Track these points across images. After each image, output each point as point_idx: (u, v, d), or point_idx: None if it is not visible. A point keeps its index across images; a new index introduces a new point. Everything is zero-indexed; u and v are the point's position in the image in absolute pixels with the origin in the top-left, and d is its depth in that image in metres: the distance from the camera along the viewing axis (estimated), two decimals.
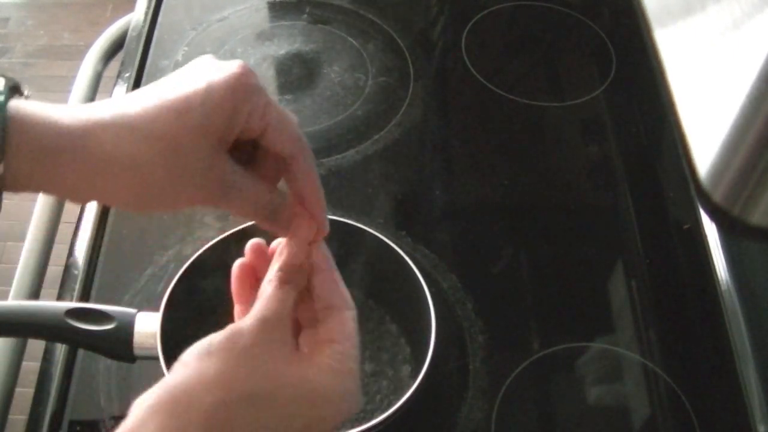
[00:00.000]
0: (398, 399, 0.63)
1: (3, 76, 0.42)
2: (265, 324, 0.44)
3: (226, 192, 0.45)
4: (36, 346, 0.74)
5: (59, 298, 0.77)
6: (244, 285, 0.51)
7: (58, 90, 2.28)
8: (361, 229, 0.72)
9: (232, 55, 1.00)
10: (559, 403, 0.74)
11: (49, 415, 0.69)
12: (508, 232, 0.85)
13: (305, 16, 1.05)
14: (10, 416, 0.71)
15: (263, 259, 0.51)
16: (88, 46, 1.04)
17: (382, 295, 0.74)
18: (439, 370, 0.69)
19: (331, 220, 0.72)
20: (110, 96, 0.96)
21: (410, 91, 0.96)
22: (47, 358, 0.73)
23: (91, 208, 0.83)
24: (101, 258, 0.80)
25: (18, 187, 0.42)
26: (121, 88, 0.96)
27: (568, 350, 0.75)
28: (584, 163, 0.92)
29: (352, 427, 0.61)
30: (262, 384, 0.43)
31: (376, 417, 0.62)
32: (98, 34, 1.05)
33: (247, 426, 0.42)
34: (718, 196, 0.59)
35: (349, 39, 1.02)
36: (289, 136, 0.47)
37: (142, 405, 0.41)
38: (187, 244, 0.80)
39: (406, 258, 0.70)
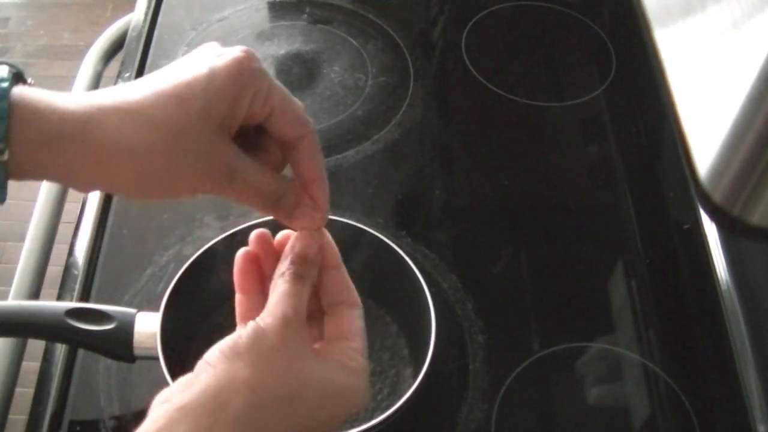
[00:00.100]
0: (398, 399, 0.63)
1: (6, 63, 0.42)
2: (287, 322, 0.45)
3: (231, 178, 0.45)
4: (36, 346, 0.74)
5: (59, 298, 0.77)
6: (247, 275, 0.51)
7: (58, 90, 2.28)
8: (361, 229, 0.72)
9: None
10: (559, 403, 0.74)
11: (49, 415, 0.69)
12: (508, 232, 0.85)
13: (305, 16, 1.05)
14: (10, 416, 0.71)
15: (268, 250, 0.51)
16: (88, 46, 1.04)
17: (382, 295, 0.74)
18: (439, 370, 0.69)
19: (331, 220, 0.72)
20: None
21: (410, 91, 0.96)
22: (47, 358, 0.73)
23: (91, 209, 0.83)
24: (101, 258, 0.80)
25: (23, 173, 0.42)
26: None
27: (568, 350, 0.75)
28: (584, 163, 0.92)
29: (352, 427, 0.61)
30: (290, 386, 0.43)
31: (376, 417, 0.62)
32: (98, 34, 1.05)
33: (276, 427, 0.42)
34: (718, 196, 0.59)
35: (349, 39, 1.02)
36: (294, 120, 0.47)
37: (169, 406, 0.41)
38: (187, 244, 0.80)
39: (406, 258, 0.70)
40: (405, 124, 0.93)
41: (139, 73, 0.98)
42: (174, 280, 0.68)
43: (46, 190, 0.87)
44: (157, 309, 0.66)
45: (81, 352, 0.73)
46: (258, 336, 0.44)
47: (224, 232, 0.71)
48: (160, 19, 1.05)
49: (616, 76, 0.98)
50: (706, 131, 0.64)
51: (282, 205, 0.48)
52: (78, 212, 0.83)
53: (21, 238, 0.84)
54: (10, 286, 0.79)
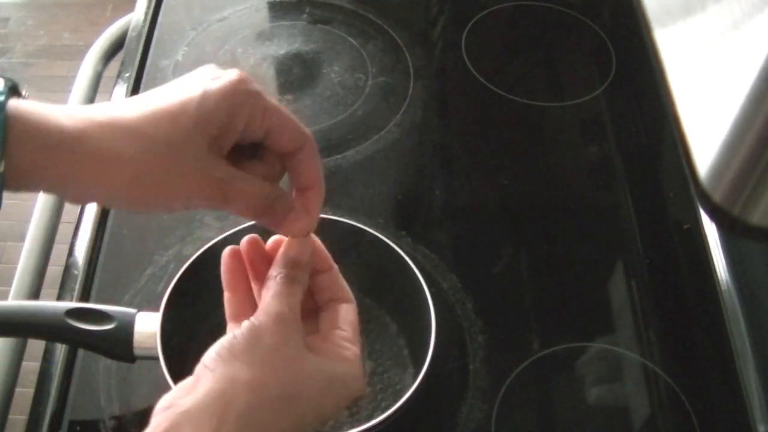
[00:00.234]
0: (398, 399, 0.63)
1: (2, 77, 0.42)
2: (283, 320, 0.46)
3: (224, 194, 0.46)
4: (36, 346, 0.74)
5: (59, 298, 0.77)
6: (235, 272, 0.52)
7: (58, 90, 2.28)
8: (361, 229, 0.72)
9: (232, 55, 1.00)
10: (559, 403, 0.74)
11: (49, 415, 0.69)
12: (508, 232, 0.85)
13: (305, 16, 1.05)
14: (10, 416, 0.71)
15: (259, 253, 0.52)
16: (88, 46, 1.04)
17: (382, 295, 0.74)
18: (439, 370, 0.69)
19: (332, 220, 0.72)
20: (110, 96, 0.96)
21: (410, 91, 0.96)
22: (47, 358, 0.73)
23: (91, 208, 0.83)
24: (101, 258, 0.80)
25: (18, 185, 0.42)
26: (121, 88, 0.96)
27: (568, 350, 0.75)
28: (584, 163, 0.92)
29: (352, 427, 0.61)
30: (289, 384, 0.44)
31: (376, 417, 0.62)
32: (98, 34, 1.05)
33: (278, 424, 0.43)
34: (718, 196, 0.59)
35: (349, 39, 1.02)
36: (292, 134, 0.48)
37: (172, 411, 0.42)
38: (187, 244, 0.80)
39: (406, 258, 0.70)
40: (405, 124, 0.93)
41: (139, 73, 0.98)
42: (174, 280, 0.68)
43: None
44: (157, 309, 0.66)
45: (81, 352, 0.73)
46: (254, 335, 0.45)
47: (224, 232, 0.71)
48: (160, 19, 1.05)
49: (616, 76, 0.98)
50: (706, 131, 0.64)
51: (273, 212, 0.49)
52: (78, 212, 0.83)
53: (21, 238, 0.84)
54: (10, 286, 0.79)
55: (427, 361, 0.64)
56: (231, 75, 0.46)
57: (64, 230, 0.85)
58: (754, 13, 0.56)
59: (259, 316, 0.46)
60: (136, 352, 0.66)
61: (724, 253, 0.79)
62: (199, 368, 0.44)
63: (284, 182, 0.53)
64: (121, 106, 0.45)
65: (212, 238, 0.71)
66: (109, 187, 0.44)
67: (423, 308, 0.67)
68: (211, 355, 0.44)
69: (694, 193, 0.81)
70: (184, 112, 0.44)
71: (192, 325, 0.70)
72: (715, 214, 0.60)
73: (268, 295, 0.47)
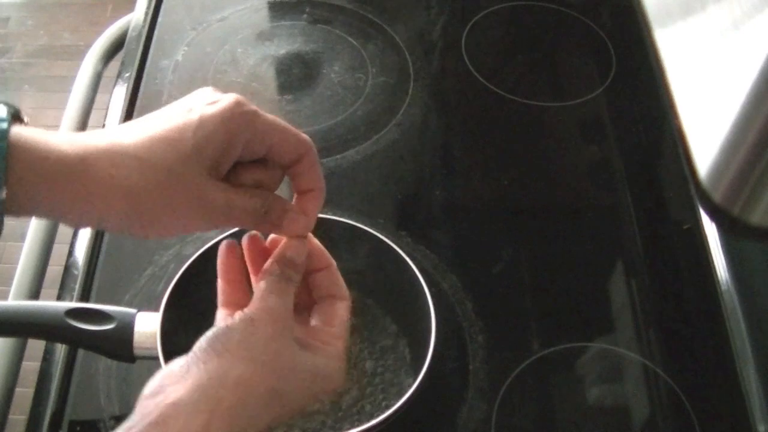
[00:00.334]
0: (398, 399, 0.63)
1: (4, 103, 0.43)
2: (277, 317, 0.47)
3: (225, 217, 0.48)
4: (36, 346, 0.74)
5: (59, 298, 0.77)
6: (231, 264, 0.52)
7: (58, 90, 2.29)
8: (361, 229, 0.72)
9: (232, 55, 1.00)
10: (559, 403, 0.74)
11: (49, 415, 0.69)
12: (508, 232, 0.85)
13: (305, 16, 1.05)
14: (10, 416, 0.71)
15: (257, 248, 0.54)
16: (88, 46, 1.04)
17: (382, 295, 0.74)
18: (439, 370, 0.69)
19: (332, 220, 0.72)
20: (110, 96, 0.96)
21: (410, 91, 0.96)
22: (47, 358, 0.73)
23: None
24: (101, 258, 0.80)
25: (19, 210, 0.43)
26: (121, 88, 0.96)
27: (568, 350, 0.75)
28: (584, 163, 0.92)
29: (353, 427, 0.61)
30: (279, 379, 0.46)
31: (376, 417, 0.62)
32: (98, 34, 1.05)
33: (264, 417, 0.45)
34: (718, 196, 0.59)
35: (349, 39, 1.02)
36: (294, 145, 0.49)
37: (161, 400, 0.43)
38: (187, 244, 0.80)
39: (406, 258, 0.70)
40: (405, 124, 0.93)
41: (139, 73, 0.98)
42: (174, 280, 0.68)
43: None
44: (157, 309, 0.66)
45: (81, 352, 0.73)
46: (248, 330, 0.46)
47: (224, 232, 0.71)
48: (160, 19, 1.05)
49: (616, 76, 0.98)
50: (706, 131, 0.64)
51: (269, 219, 0.50)
52: None
53: (21, 238, 0.84)
54: (10, 286, 0.79)
55: (427, 361, 0.64)
56: (228, 99, 0.47)
57: (64, 230, 0.85)
58: (754, 13, 0.56)
59: (253, 310, 0.47)
60: (136, 352, 0.66)
61: (724, 253, 0.79)
62: (190, 357, 0.45)
63: (284, 183, 0.53)
64: (120, 132, 0.46)
65: (212, 238, 0.70)
66: (108, 213, 0.45)
67: (423, 308, 0.67)
68: (203, 347, 0.45)
69: (694, 193, 0.81)
70: (182, 139, 0.45)
71: (192, 325, 0.70)
72: (715, 214, 0.60)
73: (263, 290, 0.49)
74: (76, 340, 0.68)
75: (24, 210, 0.43)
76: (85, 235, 0.81)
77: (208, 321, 0.70)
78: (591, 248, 0.84)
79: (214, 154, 0.46)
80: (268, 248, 0.53)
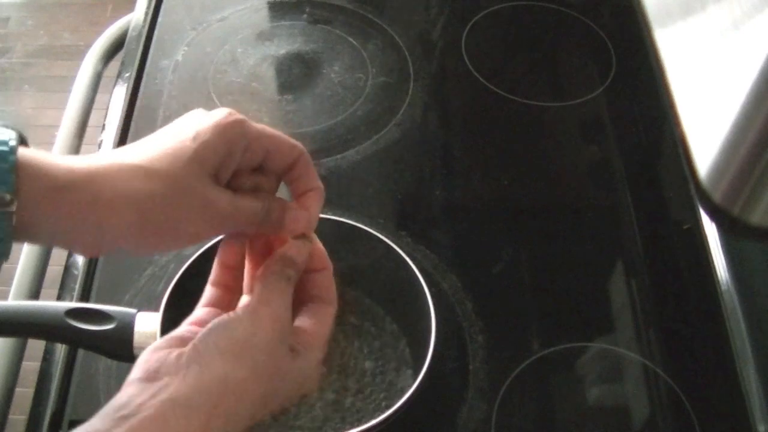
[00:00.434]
0: (398, 399, 0.63)
1: (11, 128, 0.44)
2: (277, 317, 0.48)
3: (232, 222, 0.49)
4: (36, 346, 0.74)
5: (59, 298, 0.77)
6: (232, 250, 0.53)
7: (58, 90, 2.29)
8: (361, 229, 0.72)
9: (232, 55, 1.00)
10: (559, 403, 0.74)
11: (49, 415, 0.69)
12: (508, 232, 0.85)
13: (305, 16, 1.05)
14: (10, 416, 0.71)
15: (259, 242, 0.53)
16: (88, 46, 1.04)
17: (382, 295, 0.74)
18: (439, 370, 0.69)
19: (332, 221, 0.72)
20: (110, 96, 0.96)
21: (410, 91, 0.96)
22: (47, 358, 0.73)
23: None
24: (101, 258, 0.80)
25: (27, 229, 0.43)
26: (121, 88, 0.96)
27: (568, 350, 0.75)
28: (584, 163, 0.92)
29: (353, 427, 0.61)
30: (274, 386, 0.47)
31: (376, 417, 0.62)
32: (98, 34, 1.05)
33: (255, 415, 0.46)
34: (718, 196, 0.59)
35: (349, 39, 1.02)
36: (287, 150, 0.51)
37: (157, 392, 0.43)
38: None
39: (406, 258, 0.70)
40: (405, 124, 0.93)
41: (139, 73, 0.98)
42: (174, 280, 0.68)
43: None
44: (157, 309, 0.66)
45: (81, 352, 0.73)
46: (250, 330, 0.46)
47: None
48: (160, 19, 1.05)
49: (616, 76, 0.98)
50: (706, 131, 0.64)
51: (271, 216, 0.51)
52: None
53: None
54: (10, 286, 0.79)
55: (427, 361, 0.64)
56: (218, 111, 0.48)
57: None
58: (754, 13, 0.56)
59: (256, 309, 0.47)
60: (136, 352, 0.66)
61: (724, 253, 0.79)
62: (192, 352, 0.45)
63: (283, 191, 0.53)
64: (121, 151, 0.47)
65: (212, 238, 0.71)
66: (116, 225, 0.45)
67: (423, 308, 0.67)
68: (206, 343, 0.45)
69: (694, 193, 0.81)
70: (183, 148, 0.46)
71: None
72: (715, 214, 0.60)
73: (266, 290, 0.49)
74: (76, 340, 0.68)
75: (32, 229, 0.43)
76: None
77: None
78: (591, 248, 0.84)
79: (214, 160, 0.47)
80: (271, 245, 0.53)
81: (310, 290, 0.52)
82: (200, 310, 0.51)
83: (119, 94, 0.95)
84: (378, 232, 0.72)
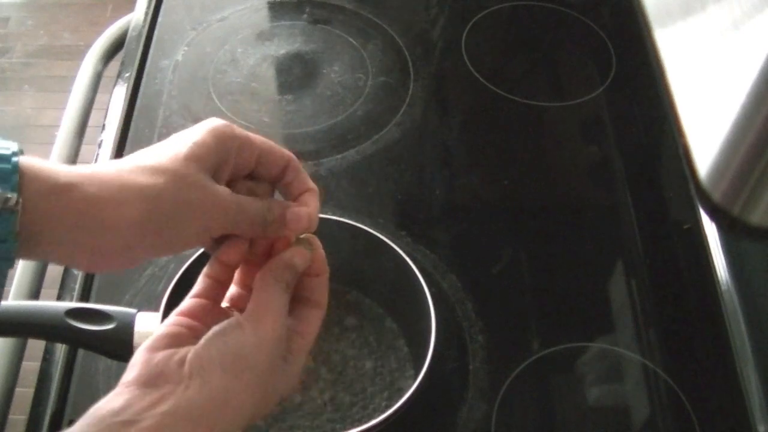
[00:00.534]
0: (398, 399, 0.63)
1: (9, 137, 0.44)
2: (278, 327, 0.48)
3: (234, 216, 0.48)
4: (36, 346, 0.74)
5: (59, 298, 0.77)
6: (234, 250, 0.52)
7: (58, 90, 2.29)
8: (361, 229, 0.72)
9: (232, 55, 1.00)
10: (559, 403, 0.74)
11: (49, 415, 0.69)
12: (508, 232, 0.85)
13: (305, 16, 1.05)
14: (10, 416, 0.71)
15: (261, 247, 0.53)
16: (88, 46, 1.04)
17: (382, 295, 0.74)
18: (439, 370, 0.69)
19: (332, 221, 0.72)
20: (110, 96, 0.96)
21: (410, 91, 0.96)
22: (47, 358, 0.73)
23: None
24: None
25: (30, 238, 0.42)
26: (121, 88, 0.96)
27: (568, 350, 0.75)
28: (584, 163, 0.92)
29: (353, 427, 0.61)
30: (264, 394, 0.47)
31: (376, 417, 0.62)
32: (98, 34, 1.05)
33: (242, 423, 0.46)
34: (718, 196, 0.59)
35: (349, 39, 1.02)
36: (278, 155, 0.51)
37: (156, 400, 0.43)
38: None
39: (406, 258, 0.70)
40: (405, 124, 0.93)
41: (139, 73, 0.98)
42: (174, 280, 0.68)
43: None
44: (157, 309, 0.66)
45: (81, 352, 0.73)
46: (256, 352, 0.46)
47: None
48: (160, 19, 1.05)
49: (616, 76, 0.98)
50: (706, 131, 0.64)
51: (272, 215, 0.50)
52: None
53: None
54: (10, 286, 0.79)
55: (427, 361, 0.64)
56: (207, 120, 0.49)
57: None
58: (754, 13, 0.56)
59: (260, 322, 0.47)
60: None
61: (724, 253, 0.79)
62: (194, 363, 0.45)
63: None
64: (123, 160, 0.47)
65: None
66: (121, 223, 0.44)
67: (423, 308, 0.67)
68: (211, 356, 0.45)
69: (694, 193, 0.81)
70: (181, 150, 0.47)
71: None
72: (715, 214, 0.60)
73: (264, 297, 0.48)
74: (76, 340, 0.68)
75: (36, 237, 0.42)
76: None
77: None
78: (591, 248, 0.84)
79: (210, 159, 0.47)
80: (272, 249, 0.53)
81: (301, 291, 0.51)
82: (189, 301, 0.51)
83: (119, 94, 0.95)
84: (378, 232, 0.72)
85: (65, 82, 1.02)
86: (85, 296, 0.77)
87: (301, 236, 0.52)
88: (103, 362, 0.72)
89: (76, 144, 0.94)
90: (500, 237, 0.84)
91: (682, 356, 0.75)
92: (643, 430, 0.72)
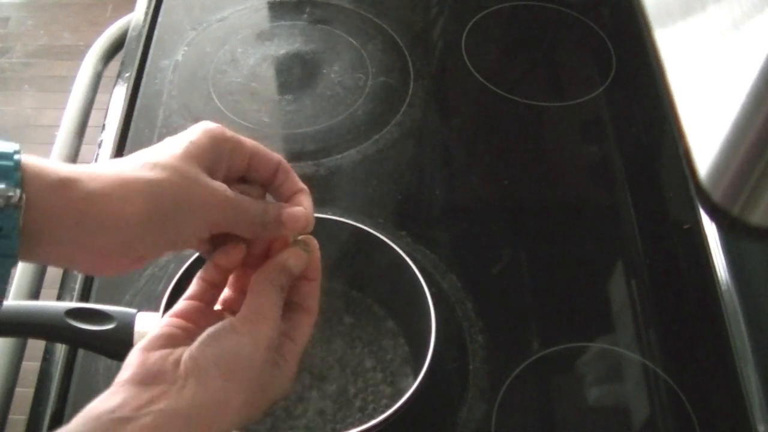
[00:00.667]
0: (398, 399, 0.63)
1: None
2: (273, 330, 0.48)
3: (234, 212, 0.49)
4: (36, 346, 0.74)
5: (59, 298, 0.77)
6: (231, 256, 0.52)
7: (58, 90, 2.29)
8: (361, 229, 0.73)
9: (232, 55, 1.00)
10: (559, 403, 0.74)
11: (49, 415, 0.69)
12: (508, 232, 0.85)
13: (305, 16, 1.05)
14: (10, 416, 0.71)
15: (258, 250, 0.53)
16: (88, 46, 1.04)
17: (382, 295, 0.74)
18: (439, 370, 0.69)
19: (332, 220, 0.72)
20: (110, 96, 0.96)
21: (410, 91, 0.96)
22: (47, 358, 0.73)
23: None
24: None
25: (34, 226, 0.42)
26: (121, 88, 0.96)
27: (568, 350, 0.75)
28: (584, 163, 0.92)
29: (353, 427, 0.61)
30: (259, 399, 0.47)
31: (377, 417, 0.62)
32: (98, 34, 1.05)
33: (237, 425, 0.47)
34: (718, 196, 0.59)
35: (349, 39, 1.02)
36: (268, 156, 0.51)
37: (153, 398, 0.43)
38: None
39: (406, 258, 0.70)
40: (405, 124, 0.93)
41: (139, 73, 0.98)
42: (174, 280, 0.68)
43: None
44: (157, 309, 0.66)
45: (81, 352, 0.73)
46: (251, 355, 0.46)
47: None
48: (160, 19, 1.05)
49: (616, 76, 0.98)
50: (706, 131, 0.64)
51: (269, 216, 0.51)
52: None
53: None
54: (11, 286, 0.79)
55: (427, 361, 0.64)
56: (200, 124, 0.49)
57: None
58: (754, 13, 0.56)
59: (255, 325, 0.47)
60: None
61: (724, 253, 0.79)
62: (190, 363, 0.45)
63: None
64: (120, 159, 0.47)
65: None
66: (126, 222, 0.44)
67: (423, 308, 0.67)
68: (207, 358, 0.45)
69: (694, 193, 0.81)
70: (178, 149, 0.47)
71: None
72: (715, 214, 0.60)
73: (259, 300, 0.49)
74: (76, 340, 0.68)
75: (35, 224, 0.42)
76: None
77: None
78: (591, 248, 0.84)
79: (206, 157, 0.48)
80: (269, 252, 0.53)
81: (293, 297, 0.52)
82: (183, 303, 0.51)
83: (119, 94, 0.95)
84: (378, 232, 0.72)
85: (65, 82, 1.02)
86: (85, 296, 0.77)
87: (298, 238, 0.52)
88: (103, 362, 0.72)
89: (76, 144, 0.94)
90: (500, 237, 0.84)
91: (682, 356, 0.75)
92: (643, 430, 0.72)
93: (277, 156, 0.52)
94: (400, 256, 0.70)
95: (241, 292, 0.52)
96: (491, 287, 0.80)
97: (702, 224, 0.82)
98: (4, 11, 2.56)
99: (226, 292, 0.53)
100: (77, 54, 1.40)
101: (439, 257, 0.80)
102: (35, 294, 0.80)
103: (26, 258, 0.43)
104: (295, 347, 0.50)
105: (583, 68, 1.01)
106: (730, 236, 0.78)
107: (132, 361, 0.45)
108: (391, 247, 0.71)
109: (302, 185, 0.53)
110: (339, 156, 0.89)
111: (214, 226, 0.48)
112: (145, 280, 0.78)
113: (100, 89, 1.00)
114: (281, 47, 1.01)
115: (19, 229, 0.41)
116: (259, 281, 0.49)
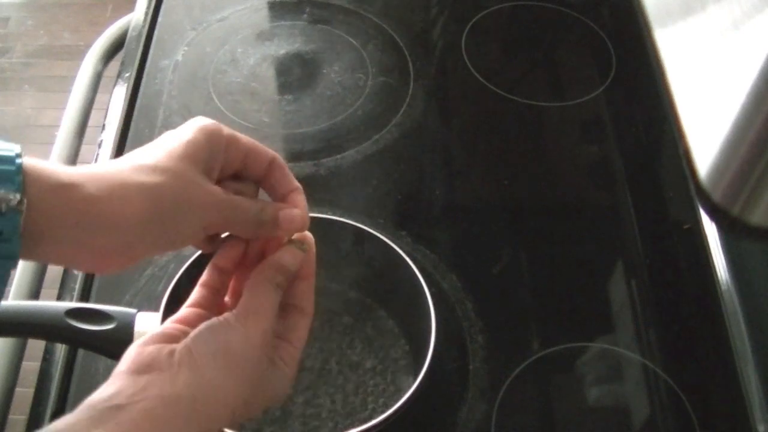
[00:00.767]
0: (398, 399, 0.63)
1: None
2: (267, 327, 0.48)
3: (230, 212, 0.49)
4: (36, 346, 0.74)
5: (59, 298, 0.77)
6: (230, 256, 0.53)
7: (58, 90, 2.29)
8: (361, 229, 0.73)
9: (232, 55, 1.00)
10: (559, 403, 0.74)
11: (49, 415, 0.69)
12: (508, 232, 0.85)
13: (305, 16, 1.05)
14: (10, 416, 0.71)
15: (255, 251, 0.54)
16: (88, 46, 1.04)
17: (382, 295, 0.74)
18: (439, 370, 0.69)
19: (332, 220, 0.72)
20: (110, 96, 0.96)
21: (410, 91, 0.96)
22: (47, 358, 0.73)
23: None
24: None
25: (35, 228, 0.42)
26: (121, 88, 0.96)
27: (568, 350, 0.75)
28: (584, 163, 0.92)
29: (353, 427, 0.61)
30: (252, 393, 0.47)
31: (376, 417, 0.62)
32: (98, 34, 1.05)
33: (232, 420, 0.47)
34: (718, 196, 0.59)
35: (349, 39, 1.02)
36: (262, 153, 0.51)
37: (149, 384, 0.44)
38: None
39: (406, 258, 0.70)
40: (405, 124, 0.93)
41: (139, 73, 0.98)
42: (174, 280, 0.68)
43: None
44: (157, 309, 0.66)
45: (81, 352, 0.73)
46: (244, 347, 0.47)
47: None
48: (160, 19, 1.05)
49: (616, 76, 0.98)
50: (706, 131, 0.64)
51: (265, 216, 0.51)
52: None
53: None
54: (10, 286, 0.79)
55: (427, 361, 0.64)
56: (195, 120, 0.50)
57: None
58: (754, 13, 0.56)
59: (249, 319, 0.48)
60: None
61: (724, 253, 0.79)
62: (184, 352, 0.45)
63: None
64: (117, 159, 0.48)
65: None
66: (126, 223, 0.44)
67: (423, 308, 0.67)
68: (200, 348, 0.46)
69: (694, 193, 0.81)
70: (174, 149, 0.47)
71: None
72: (715, 214, 0.60)
73: (254, 297, 0.49)
74: (76, 340, 0.68)
75: (36, 226, 0.42)
76: None
77: None
78: (591, 248, 0.84)
79: (202, 157, 0.48)
80: (265, 253, 0.53)
81: (289, 298, 0.52)
82: (185, 310, 0.52)
83: (119, 94, 0.95)
84: (378, 232, 0.72)
85: (65, 82, 1.02)
86: (85, 296, 0.77)
87: (293, 236, 0.52)
88: (103, 362, 0.72)
89: (76, 144, 0.94)
90: (500, 237, 0.84)
91: (682, 356, 0.75)
92: (643, 430, 0.72)
93: (272, 152, 0.52)
94: (400, 256, 0.70)
95: (240, 297, 0.52)
96: (491, 287, 0.80)
97: (702, 224, 0.82)
98: (4, 11, 2.56)
99: (225, 300, 0.53)
100: (77, 54, 1.40)
101: (439, 257, 0.80)
102: (35, 294, 0.80)
103: (26, 257, 0.43)
104: (293, 349, 0.50)
105: (583, 68, 1.01)
106: (730, 236, 0.78)
107: (128, 354, 0.46)
108: (391, 247, 0.71)
109: (297, 184, 0.53)
110: (339, 156, 0.89)
111: (212, 226, 0.49)
112: (145, 280, 0.78)
113: (100, 89, 1.00)
114: (281, 47, 1.01)
115: (20, 232, 0.41)
116: (255, 279, 0.50)
